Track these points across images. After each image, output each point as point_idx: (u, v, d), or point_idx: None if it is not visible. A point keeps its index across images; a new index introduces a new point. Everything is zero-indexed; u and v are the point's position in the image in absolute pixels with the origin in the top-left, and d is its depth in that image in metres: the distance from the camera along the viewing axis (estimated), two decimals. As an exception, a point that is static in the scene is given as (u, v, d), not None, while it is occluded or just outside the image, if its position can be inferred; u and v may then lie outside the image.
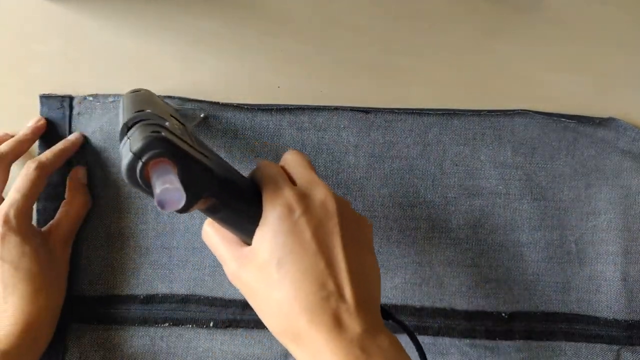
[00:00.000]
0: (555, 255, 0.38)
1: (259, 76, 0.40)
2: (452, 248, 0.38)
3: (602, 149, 0.39)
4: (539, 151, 0.39)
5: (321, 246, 0.26)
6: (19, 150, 0.37)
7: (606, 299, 0.38)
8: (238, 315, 0.37)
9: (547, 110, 0.39)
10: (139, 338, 0.37)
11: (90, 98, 0.39)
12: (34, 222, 0.37)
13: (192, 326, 0.37)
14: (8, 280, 0.33)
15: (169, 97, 0.39)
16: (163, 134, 0.23)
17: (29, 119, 0.39)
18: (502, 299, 0.38)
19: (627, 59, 0.40)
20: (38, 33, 0.40)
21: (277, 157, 0.38)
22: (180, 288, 0.38)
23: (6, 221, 0.33)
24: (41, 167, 0.35)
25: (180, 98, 0.39)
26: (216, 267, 0.38)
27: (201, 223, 0.38)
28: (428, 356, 0.37)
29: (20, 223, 0.33)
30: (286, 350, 0.37)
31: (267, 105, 0.39)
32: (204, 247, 0.38)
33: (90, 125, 0.39)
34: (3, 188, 0.36)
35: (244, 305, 0.37)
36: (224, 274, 0.37)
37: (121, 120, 0.27)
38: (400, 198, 0.39)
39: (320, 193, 0.27)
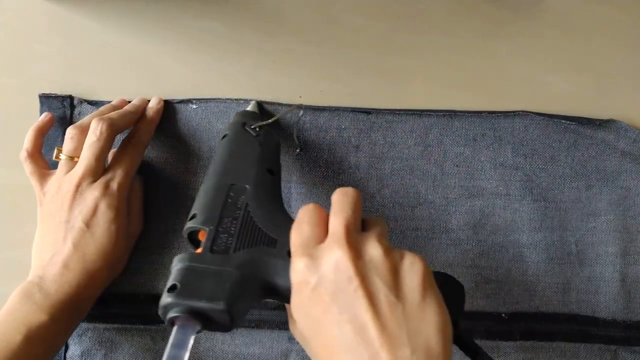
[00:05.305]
0: (555, 256, 0.41)
1: (259, 76, 0.42)
2: (452, 248, 0.41)
3: (602, 150, 0.41)
4: (539, 152, 0.41)
5: (344, 314, 0.25)
6: (129, 122, 0.39)
7: (605, 299, 0.40)
8: (239, 314, 0.40)
9: (548, 111, 0.42)
10: (140, 337, 0.40)
11: (88, 105, 0.42)
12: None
13: (193, 325, 0.40)
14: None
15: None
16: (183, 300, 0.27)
17: (29, 119, 0.41)
18: (502, 299, 0.41)
19: (627, 60, 0.43)
20: (38, 33, 0.43)
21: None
22: (181, 288, 0.40)
23: (79, 185, 0.36)
24: (111, 126, 0.37)
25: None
26: (217, 267, 0.41)
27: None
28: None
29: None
30: (286, 350, 0.40)
31: (269, 103, 0.41)
32: (205, 247, 0.41)
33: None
34: (106, 157, 0.38)
35: (245, 305, 0.40)
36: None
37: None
38: (401, 199, 0.41)
39: (333, 256, 0.26)
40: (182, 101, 0.42)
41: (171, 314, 0.27)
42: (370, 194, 0.41)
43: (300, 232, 0.28)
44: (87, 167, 0.36)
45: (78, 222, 0.36)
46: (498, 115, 0.42)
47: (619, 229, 0.41)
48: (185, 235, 0.32)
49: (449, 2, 0.43)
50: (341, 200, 0.29)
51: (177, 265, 0.29)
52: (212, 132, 0.41)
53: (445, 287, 0.27)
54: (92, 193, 0.36)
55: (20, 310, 0.33)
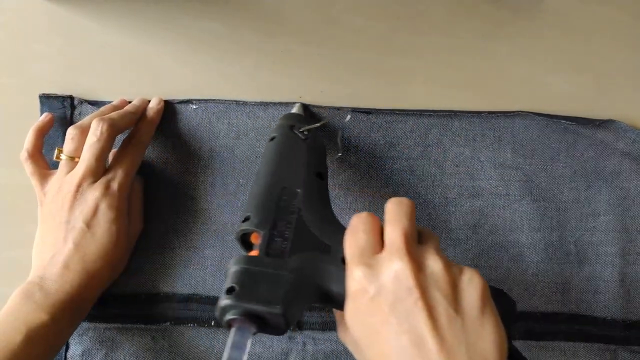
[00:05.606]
0: (554, 256, 0.41)
1: (259, 76, 0.43)
2: (452, 248, 0.41)
3: (601, 150, 0.42)
4: (538, 152, 0.41)
5: (403, 325, 0.25)
6: (130, 123, 0.39)
7: (604, 299, 0.41)
8: (239, 314, 0.40)
9: (547, 111, 0.42)
10: (141, 336, 0.40)
11: (89, 106, 0.42)
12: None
13: (194, 325, 0.40)
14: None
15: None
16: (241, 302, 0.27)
17: (29, 119, 0.41)
18: (502, 299, 0.41)
19: (627, 60, 0.43)
20: (38, 33, 0.43)
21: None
22: (182, 287, 0.41)
23: (80, 185, 0.36)
24: (112, 126, 0.37)
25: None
26: (217, 266, 0.41)
27: (202, 223, 0.41)
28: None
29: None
30: (286, 349, 0.40)
31: (269, 103, 0.42)
32: (205, 247, 0.41)
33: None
34: (107, 157, 0.38)
35: (245, 305, 0.40)
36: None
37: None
38: (401, 198, 0.41)
39: (393, 266, 0.26)
40: (182, 101, 0.42)
41: (229, 316, 0.27)
42: (370, 194, 0.41)
43: (356, 240, 0.28)
44: (87, 167, 0.36)
45: (79, 222, 0.36)
46: (498, 116, 0.42)
47: (618, 229, 0.41)
48: (238, 237, 0.32)
49: (449, 2, 0.43)
50: (397, 209, 0.29)
51: (233, 267, 0.29)
52: (212, 133, 0.42)
53: (498, 302, 0.27)
54: (93, 193, 0.36)
55: (21, 310, 0.34)
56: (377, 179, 0.42)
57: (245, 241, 0.32)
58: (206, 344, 0.40)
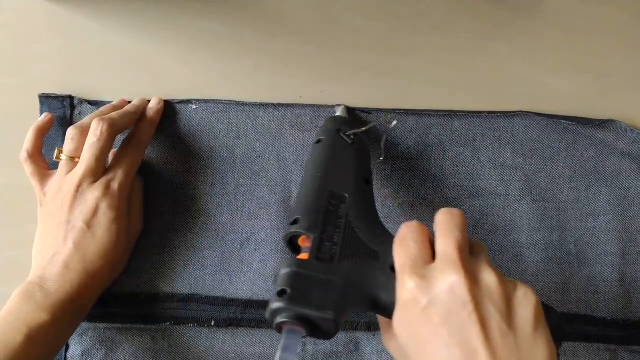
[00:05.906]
0: (554, 256, 0.41)
1: (259, 76, 0.43)
2: (452, 249, 0.41)
3: (601, 150, 0.42)
4: (538, 152, 0.41)
5: (455, 337, 0.25)
6: (130, 122, 0.39)
7: (604, 299, 0.41)
8: (239, 314, 0.40)
9: (547, 111, 0.42)
10: (141, 336, 0.40)
11: (89, 106, 0.42)
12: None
13: (194, 325, 0.40)
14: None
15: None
16: (292, 305, 0.27)
17: (29, 119, 0.41)
18: (502, 299, 0.41)
19: (627, 60, 0.43)
20: (38, 33, 0.43)
21: (279, 158, 0.41)
22: (182, 287, 0.41)
23: (80, 185, 0.36)
24: (112, 126, 0.37)
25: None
26: (217, 266, 0.41)
27: (202, 223, 0.41)
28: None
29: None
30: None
31: (269, 104, 0.42)
32: (205, 247, 0.41)
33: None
34: (107, 157, 0.38)
35: (245, 305, 0.40)
36: (225, 274, 0.41)
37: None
38: (401, 199, 0.41)
39: (448, 279, 0.26)
40: (182, 101, 0.42)
41: (280, 319, 0.27)
42: (370, 194, 0.42)
43: (407, 250, 0.28)
44: (87, 167, 0.36)
45: (79, 222, 0.36)
46: (498, 116, 0.42)
47: (618, 229, 0.41)
48: (287, 239, 0.32)
49: (449, 2, 0.43)
50: (448, 220, 0.29)
51: (285, 269, 0.29)
52: (212, 133, 0.42)
53: (548, 318, 0.27)
54: (93, 193, 0.36)
55: (21, 310, 0.34)
56: (377, 179, 0.42)
57: (292, 244, 0.32)
58: (206, 344, 0.40)
